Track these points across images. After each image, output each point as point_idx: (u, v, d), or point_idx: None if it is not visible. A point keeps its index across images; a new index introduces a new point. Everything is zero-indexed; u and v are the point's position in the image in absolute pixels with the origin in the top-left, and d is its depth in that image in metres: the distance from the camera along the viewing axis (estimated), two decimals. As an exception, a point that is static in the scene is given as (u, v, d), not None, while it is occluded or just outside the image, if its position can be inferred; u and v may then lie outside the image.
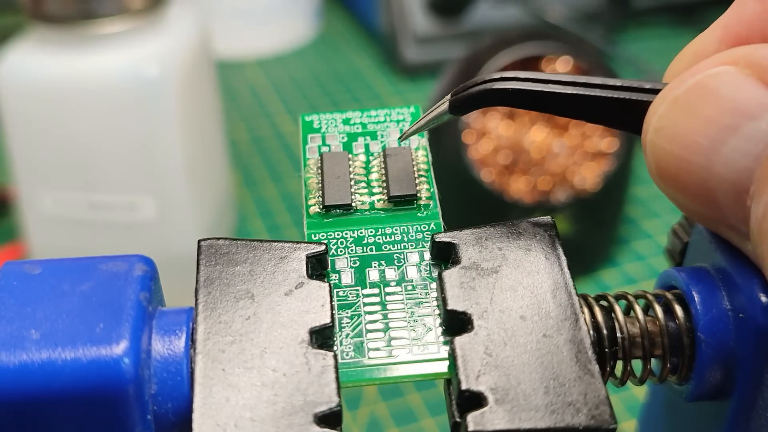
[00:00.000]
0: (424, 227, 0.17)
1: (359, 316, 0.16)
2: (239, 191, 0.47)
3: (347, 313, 0.16)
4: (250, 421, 0.13)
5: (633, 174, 0.41)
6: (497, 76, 0.16)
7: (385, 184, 0.18)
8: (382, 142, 0.19)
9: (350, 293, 0.16)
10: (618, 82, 0.16)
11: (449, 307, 0.15)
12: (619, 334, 0.16)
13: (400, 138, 0.19)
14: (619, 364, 0.16)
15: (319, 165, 0.18)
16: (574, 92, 0.16)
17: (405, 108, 0.20)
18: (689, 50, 0.17)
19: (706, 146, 0.14)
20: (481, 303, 0.15)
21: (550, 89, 0.16)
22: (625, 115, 0.16)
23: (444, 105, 0.17)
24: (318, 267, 0.16)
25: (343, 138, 0.19)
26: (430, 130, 0.19)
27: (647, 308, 0.16)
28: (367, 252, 0.17)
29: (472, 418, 0.13)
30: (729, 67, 0.14)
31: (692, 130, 0.14)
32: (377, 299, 0.16)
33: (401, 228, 0.17)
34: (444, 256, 0.16)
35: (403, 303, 0.16)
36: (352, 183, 0.18)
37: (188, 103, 0.36)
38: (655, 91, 0.15)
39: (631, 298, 0.16)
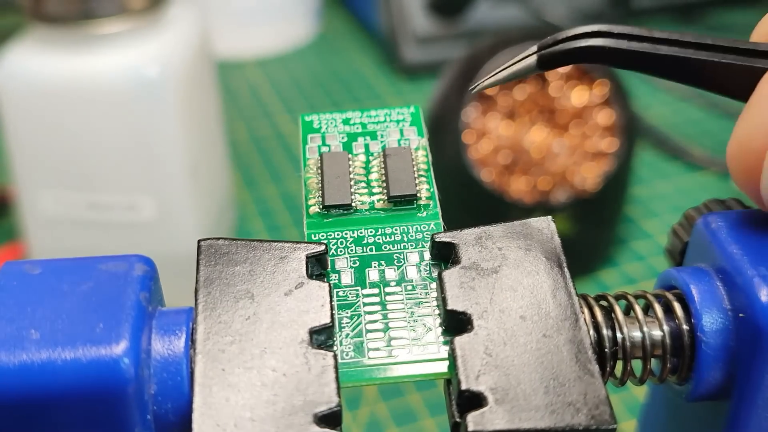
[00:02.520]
0: (424, 227, 0.17)
1: (359, 316, 0.16)
2: (239, 191, 0.47)
3: (347, 313, 0.16)
4: (249, 421, 0.13)
5: (633, 174, 0.41)
6: (590, 29, 0.15)
7: (384, 184, 0.18)
8: (382, 142, 0.19)
9: (350, 293, 0.16)
10: (726, 43, 0.15)
11: (449, 307, 0.15)
12: (619, 334, 0.16)
13: (472, 88, 0.17)
14: (619, 364, 0.16)
15: (319, 165, 0.18)
16: (675, 54, 0.15)
17: (405, 108, 0.20)
18: None
19: None
20: (480, 303, 0.15)
21: (649, 50, 0.15)
22: (732, 82, 0.15)
23: (532, 58, 0.16)
24: (318, 267, 0.16)
25: (343, 138, 0.19)
26: (429, 129, 0.19)
27: (647, 308, 0.16)
28: (366, 252, 0.17)
29: (472, 418, 0.13)
30: None
31: None
32: (377, 299, 0.16)
33: (401, 228, 0.17)
34: (444, 256, 0.16)
35: (403, 303, 0.16)
36: (352, 183, 0.18)
37: (188, 103, 0.36)
38: None
39: (631, 298, 0.16)
